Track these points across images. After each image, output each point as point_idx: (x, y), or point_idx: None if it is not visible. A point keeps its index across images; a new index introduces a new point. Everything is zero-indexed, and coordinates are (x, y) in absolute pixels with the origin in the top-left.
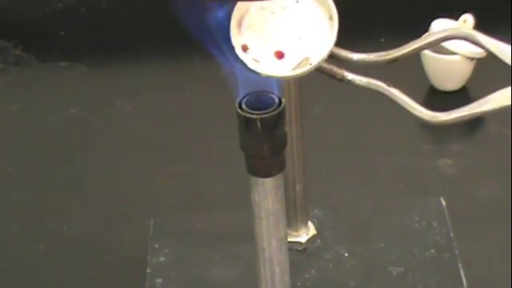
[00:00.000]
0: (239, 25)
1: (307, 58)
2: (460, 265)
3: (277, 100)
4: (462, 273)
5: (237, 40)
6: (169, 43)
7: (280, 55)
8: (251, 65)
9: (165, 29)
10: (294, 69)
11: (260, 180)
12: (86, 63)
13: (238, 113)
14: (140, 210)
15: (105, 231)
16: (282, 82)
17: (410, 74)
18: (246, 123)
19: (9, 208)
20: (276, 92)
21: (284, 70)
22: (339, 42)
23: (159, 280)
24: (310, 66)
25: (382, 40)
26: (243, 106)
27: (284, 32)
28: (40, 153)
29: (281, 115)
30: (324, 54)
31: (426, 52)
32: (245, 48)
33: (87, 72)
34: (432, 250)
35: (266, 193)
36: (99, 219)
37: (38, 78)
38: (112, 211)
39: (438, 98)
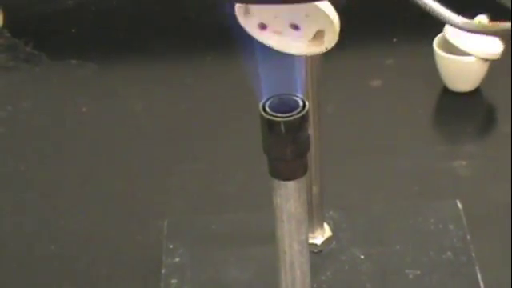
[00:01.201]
0: (247, 10)
1: (321, 31)
2: (477, 268)
3: (301, 102)
4: (479, 276)
5: (251, 21)
6: (180, 41)
7: (295, 27)
8: (272, 41)
9: (176, 26)
10: (311, 41)
11: (283, 183)
12: (97, 61)
13: (261, 115)
14: (153, 210)
15: (118, 231)
16: (304, 80)
17: (424, 74)
18: (270, 126)
19: (21, 207)
20: (299, 93)
21: (303, 39)
22: (352, 41)
23: (174, 281)
24: (326, 50)
25: (395, 40)
26: (267, 108)
27: (291, 9)
28: (51, 151)
29: (305, 118)
30: (336, 29)
31: (440, 53)
32: (262, 26)
33: (98, 70)
34: (449, 253)
35: (289, 196)
36: (112, 219)
37: (49, 75)
38: (125, 211)
39: (451, 99)
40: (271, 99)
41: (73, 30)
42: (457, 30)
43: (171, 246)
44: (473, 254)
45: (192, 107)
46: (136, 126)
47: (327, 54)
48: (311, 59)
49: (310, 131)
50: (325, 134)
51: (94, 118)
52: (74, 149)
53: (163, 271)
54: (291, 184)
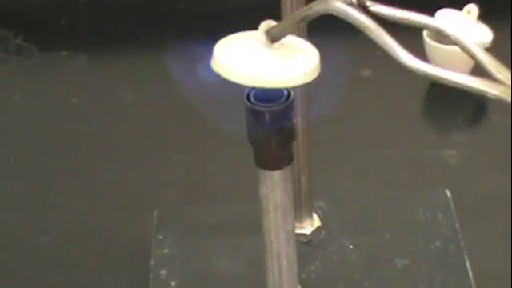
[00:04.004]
0: None
1: None
2: (466, 256)
3: (285, 92)
4: (467, 264)
5: None
6: (170, 32)
7: None
8: None
9: (167, 18)
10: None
11: (268, 173)
12: (88, 53)
13: (246, 105)
14: (143, 201)
15: (108, 222)
16: None
17: None
18: (255, 115)
19: (10, 199)
20: None
21: None
22: (342, 30)
23: (163, 271)
24: None
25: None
26: (251, 98)
27: None
28: (41, 143)
29: (289, 107)
30: None
31: (429, 42)
32: None
33: (89, 62)
34: (437, 242)
35: (274, 185)
36: (102, 210)
37: (39, 67)
38: (115, 202)
39: (441, 88)
40: (256, 89)
41: (63, 22)
42: (446, 18)
43: (160, 237)
44: (461, 243)
45: (183, 99)
46: (126, 118)
47: (317, 44)
48: None
49: (298, 120)
50: (314, 123)
51: (84, 110)
52: (64, 140)
53: (152, 262)
54: (277, 174)
